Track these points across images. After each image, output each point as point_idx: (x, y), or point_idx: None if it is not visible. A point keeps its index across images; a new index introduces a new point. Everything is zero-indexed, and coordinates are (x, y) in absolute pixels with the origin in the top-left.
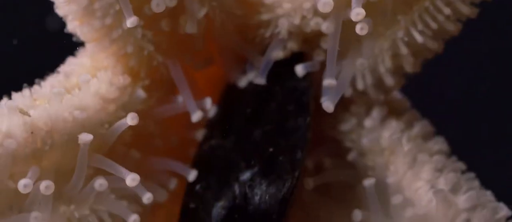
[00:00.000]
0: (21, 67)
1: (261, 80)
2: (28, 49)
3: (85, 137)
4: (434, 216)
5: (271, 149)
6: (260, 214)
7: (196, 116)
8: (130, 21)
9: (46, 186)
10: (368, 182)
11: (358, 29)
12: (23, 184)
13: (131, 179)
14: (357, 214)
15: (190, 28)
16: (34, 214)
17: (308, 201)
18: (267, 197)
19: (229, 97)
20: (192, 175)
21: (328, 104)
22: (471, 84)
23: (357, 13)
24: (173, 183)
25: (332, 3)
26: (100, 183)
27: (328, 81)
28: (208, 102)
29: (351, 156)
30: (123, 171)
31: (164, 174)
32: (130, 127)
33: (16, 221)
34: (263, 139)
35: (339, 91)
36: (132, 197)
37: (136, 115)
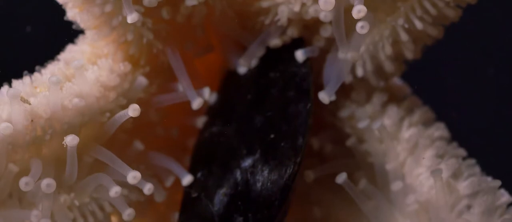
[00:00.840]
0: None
1: (246, 64)
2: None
3: (72, 140)
4: (435, 202)
5: (272, 135)
6: (262, 200)
7: (196, 103)
8: (131, 18)
9: (47, 185)
10: (341, 178)
11: (358, 27)
12: (25, 182)
13: (132, 177)
14: (363, 182)
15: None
16: (35, 212)
17: (310, 187)
18: (269, 184)
19: (229, 84)
20: (186, 179)
21: (323, 96)
22: (472, 70)
23: (358, 10)
24: (171, 179)
25: (333, 1)
26: (115, 190)
27: (342, 55)
28: (206, 92)
29: (350, 142)
30: (125, 167)
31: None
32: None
33: (16, 216)
34: (264, 125)
35: (338, 82)
36: (132, 186)
37: (137, 106)
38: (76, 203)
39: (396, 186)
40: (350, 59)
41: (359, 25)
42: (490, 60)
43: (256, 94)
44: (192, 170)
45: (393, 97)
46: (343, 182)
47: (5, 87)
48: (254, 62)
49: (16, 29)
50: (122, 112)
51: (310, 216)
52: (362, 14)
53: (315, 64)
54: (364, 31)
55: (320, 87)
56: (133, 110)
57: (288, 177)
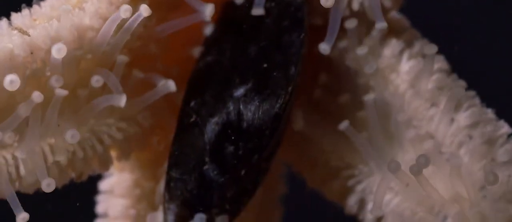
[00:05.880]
0: None
1: (259, 11)
2: None
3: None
4: (435, 135)
5: (265, 65)
6: (253, 130)
7: (208, 12)
8: None
9: (58, 49)
10: (368, 97)
11: None
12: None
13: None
14: (344, 124)
15: None
16: (36, 93)
17: (306, 122)
18: (260, 113)
19: (226, 14)
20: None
21: (325, 47)
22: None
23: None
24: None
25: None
26: (96, 79)
27: None
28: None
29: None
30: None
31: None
32: (131, 49)
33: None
34: (258, 55)
35: (335, 29)
36: (131, 119)
37: (147, 7)
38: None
39: (396, 119)
40: None
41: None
42: None
43: (251, 24)
44: (186, 99)
45: (392, 31)
46: (345, 129)
47: (4, 20)
48: None
49: None
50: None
51: (306, 152)
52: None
53: None
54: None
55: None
56: (145, 10)
57: (280, 107)
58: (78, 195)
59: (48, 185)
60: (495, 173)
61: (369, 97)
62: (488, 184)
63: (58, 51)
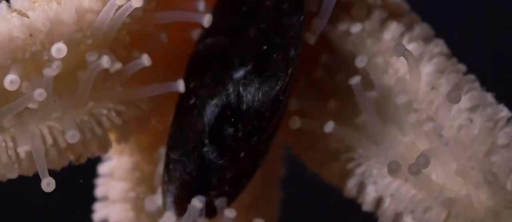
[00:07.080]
0: None
1: None
2: None
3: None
4: (435, 118)
5: (265, 47)
6: (253, 112)
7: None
8: None
9: (58, 49)
10: (354, 80)
11: None
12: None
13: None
14: (329, 125)
15: None
16: (39, 91)
17: (308, 105)
18: (260, 95)
19: None
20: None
21: (309, 36)
22: None
23: None
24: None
25: None
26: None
27: None
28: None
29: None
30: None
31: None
32: (130, 32)
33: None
34: (258, 37)
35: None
36: (130, 102)
37: None
38: (77, 120)
39: (396, 102)
40: None
41: None
42: None
43: (251, 6)
44: (185, 81)
45: (393, 14)
46: (332, 129)
47: (3, 3)
48: None
49: None
50: (124, 6)
51: (305, 134)
52: None
53: None
54: None
55: None
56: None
57: (279, 89)
58: (77, 178)
59: (48, 184)
60: (494, 172)
61: (355, 80)
62: (488, 185)
63: (58, 51)
